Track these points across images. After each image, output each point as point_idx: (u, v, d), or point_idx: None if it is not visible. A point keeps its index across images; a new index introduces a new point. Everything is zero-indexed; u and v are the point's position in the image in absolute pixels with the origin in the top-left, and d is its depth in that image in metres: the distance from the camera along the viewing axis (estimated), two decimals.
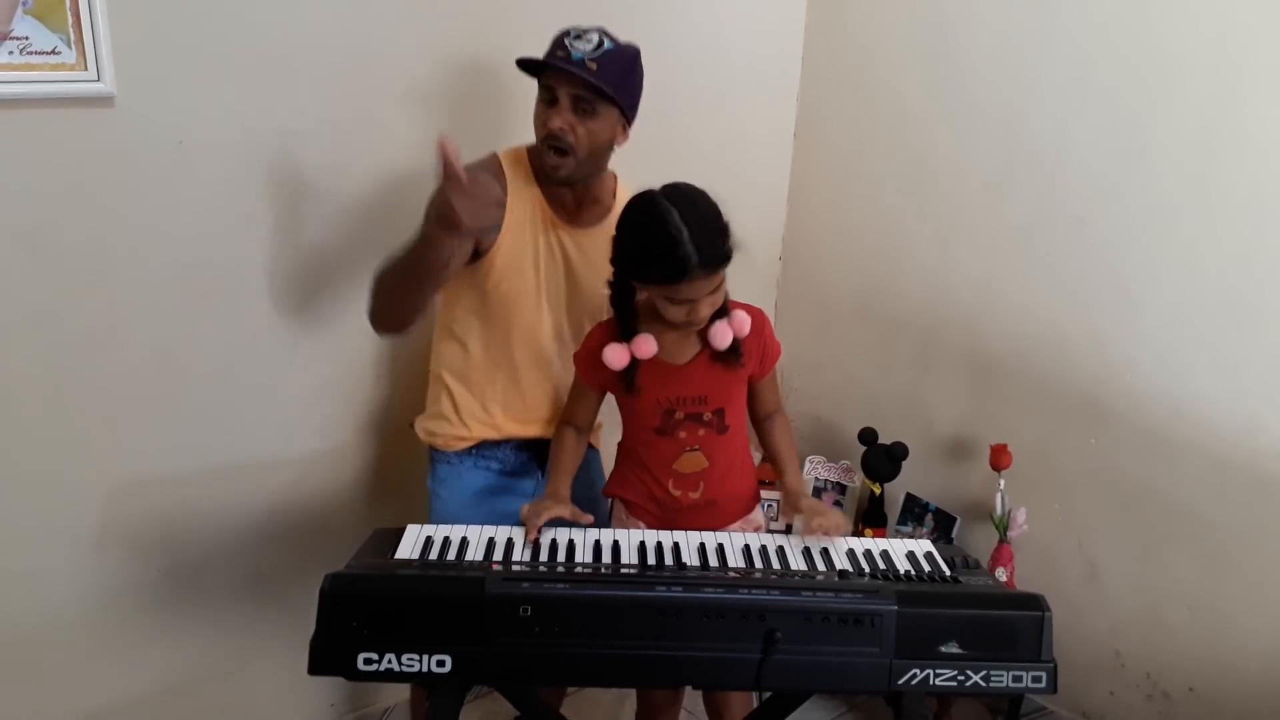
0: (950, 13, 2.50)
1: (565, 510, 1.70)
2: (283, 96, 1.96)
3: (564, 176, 1.83)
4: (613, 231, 1.78)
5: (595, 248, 1.90)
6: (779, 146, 2.90)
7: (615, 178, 1.98)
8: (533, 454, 2.04)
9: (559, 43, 1.78)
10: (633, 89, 1.85)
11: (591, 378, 1.81)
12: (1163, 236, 2.20)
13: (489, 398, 1.96)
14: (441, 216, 1.61)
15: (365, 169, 2.09)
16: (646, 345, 1.73)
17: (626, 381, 1.76)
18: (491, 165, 1.87)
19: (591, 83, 1.75)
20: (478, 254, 1.83)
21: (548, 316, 1.94)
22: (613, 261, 1.73)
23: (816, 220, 2.90)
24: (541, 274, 1.91)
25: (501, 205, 1.79)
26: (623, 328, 1.75)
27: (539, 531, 1.65)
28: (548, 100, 1.79)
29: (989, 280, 2.51)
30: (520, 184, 1.87)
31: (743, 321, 1.75)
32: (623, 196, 1.95)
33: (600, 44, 1.77)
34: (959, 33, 2.49)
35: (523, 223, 1.87)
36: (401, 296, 1.78)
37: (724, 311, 1.75)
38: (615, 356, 1.74)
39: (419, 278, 1.73)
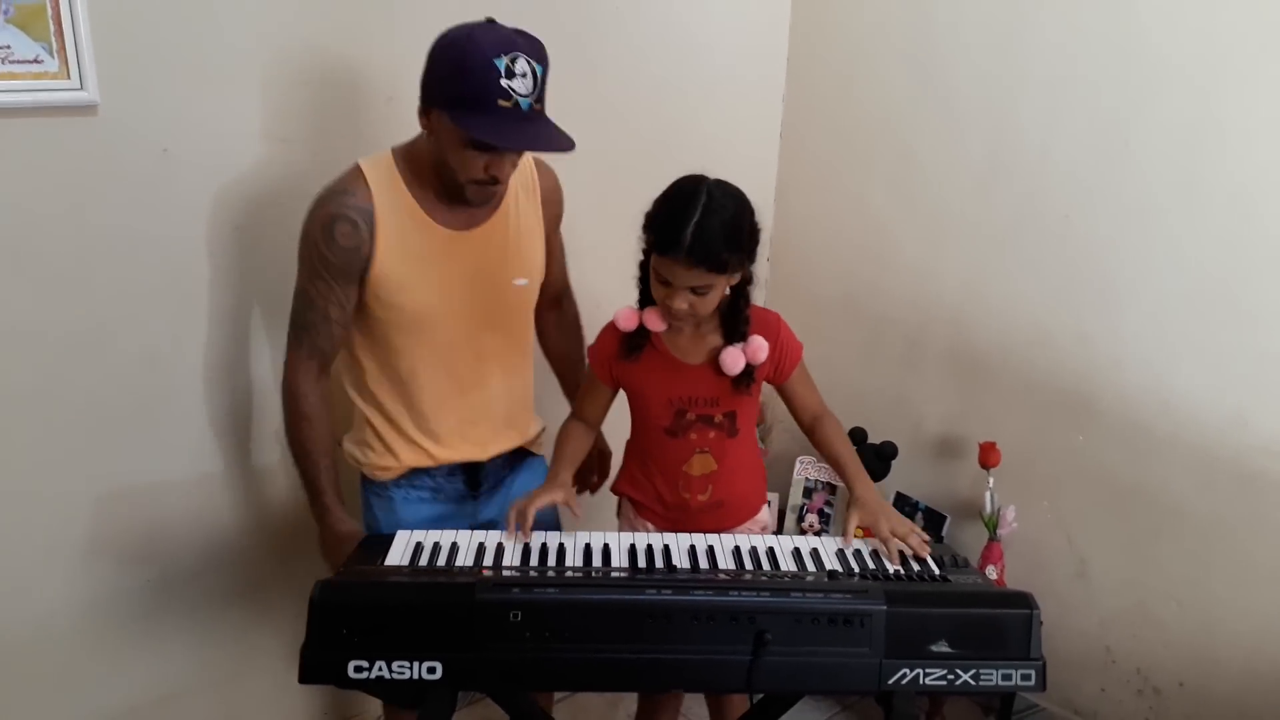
0: (934, 12, 2.51)
1: (559, 496, 1.69)
2: (267, 103, 1.96)
3: (488, 202, 1.74)
4: (514, 212, 1.79)
5: (498, 240, 1.79)
6: (765, 147, 2.91)
7: None
8: (463, 479, 1.91)
9: (494, 86, 1.53)
10: None
11: (603, 369, 1.81)
12: (1147, 233, 2.21)
13: (406, 425, 1.82)
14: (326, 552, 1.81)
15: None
16: (658, 319, 1.72)
17: (632, 349, 1.75)
18: (354, 185, 1.69)
19: (559, 143, 1.61)
20: (360, 281, 1.71)
21: (465, 332, 1.80)
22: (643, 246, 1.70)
23: (803, 220, 2.91)
24: (443, 288, 1.75)
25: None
26: (644, 296, 1.74)
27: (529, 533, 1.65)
28: (482, 147, 1.59)
29: (976, 279, 2.52)
30: (391, 198, 1.69)
31: (758, 349, 1.72)
32: (516, 175, 1.78)
33: (535, 75, 1.56)
34: (943, 32, 2.49)
35: (404, 239, 1.70)
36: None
37: (741, 336, 1.72)
38: (625, 317, 1.74)
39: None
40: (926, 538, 1.67)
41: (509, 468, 1.97)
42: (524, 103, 1.56)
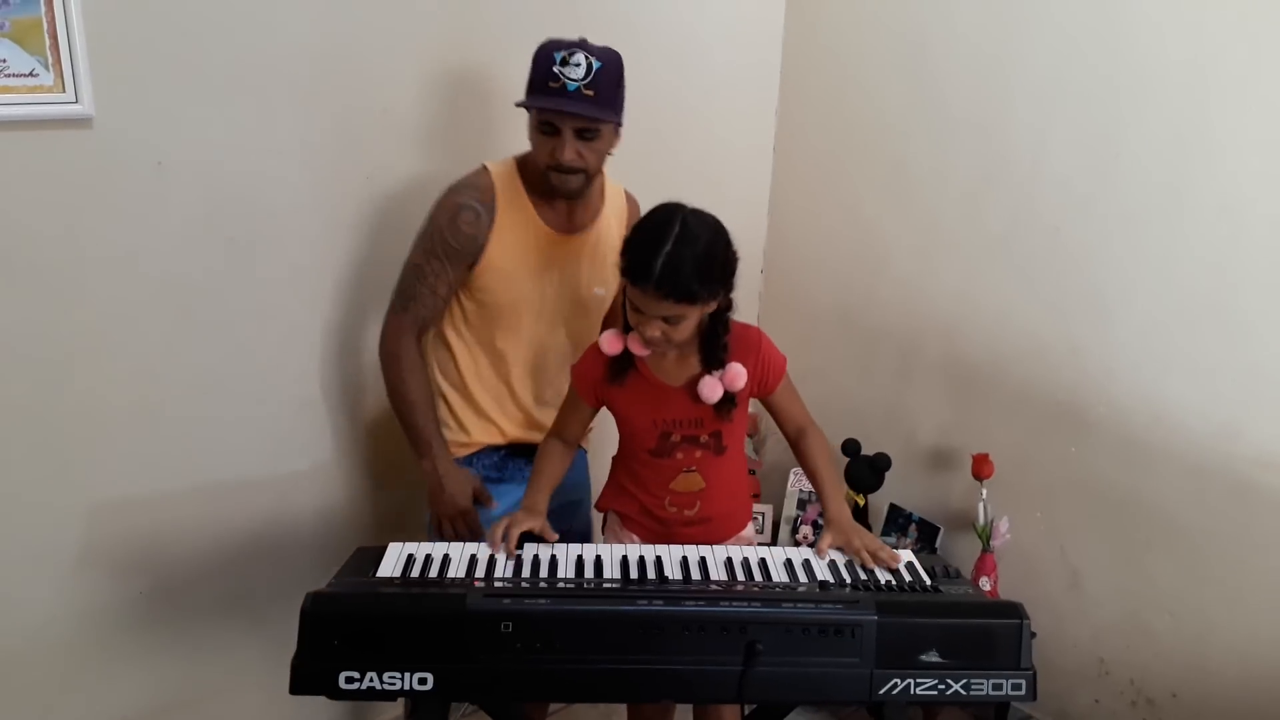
0: (927, 25, 2.52)
1: (536, 524, 1.70)
2: (262, 116, 1.96)
3: (574, 190, 1.87)
4: (605, 232, 1.92)
5: (589, 251, 1.97)
6: (759, 159, 2.92)
7: (603, 175, 1.98)
8: (527, 459, 2.01)
9: (549, 72, 1.77)
10: (623, 98, 1.86)
11: (587, 390, 1.81)
12: (1137, 244, 2.22)
13: (486, 405, 2.00)
14: (439, 508, 1.94)
15: (345, 187, 2.10)
16: (641, 343, 1.73)
17: (616, 374, 1.76)
18: (482, 181, 1.90)
19: (595, 115, 1.78)
20: (470, 266, 1.88)
21: (548, 326, 1.99)
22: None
23: (797, 232, 2.92)
24: (539, 284, 1.94)
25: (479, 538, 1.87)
26: (626, 321, 1.75)
27: (518, 546, 1.66)
28: (548, 130, 1.81)
29: (967, 290, 2.53)
30: (510, 197, 1.89)
31: (735, 376, 1.72)
32: (610, 193, 2.00)
33: (589, 67, 1.77)
34: (936, 45, 2.51)
35: (516, 235, 1.89)
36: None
37: (719, 363, 1.73)
38: (610, 342, 1.75)
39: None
40: (896, 554, 1.68)
41: None
42: (571, 85, 1.76)
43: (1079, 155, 2.28)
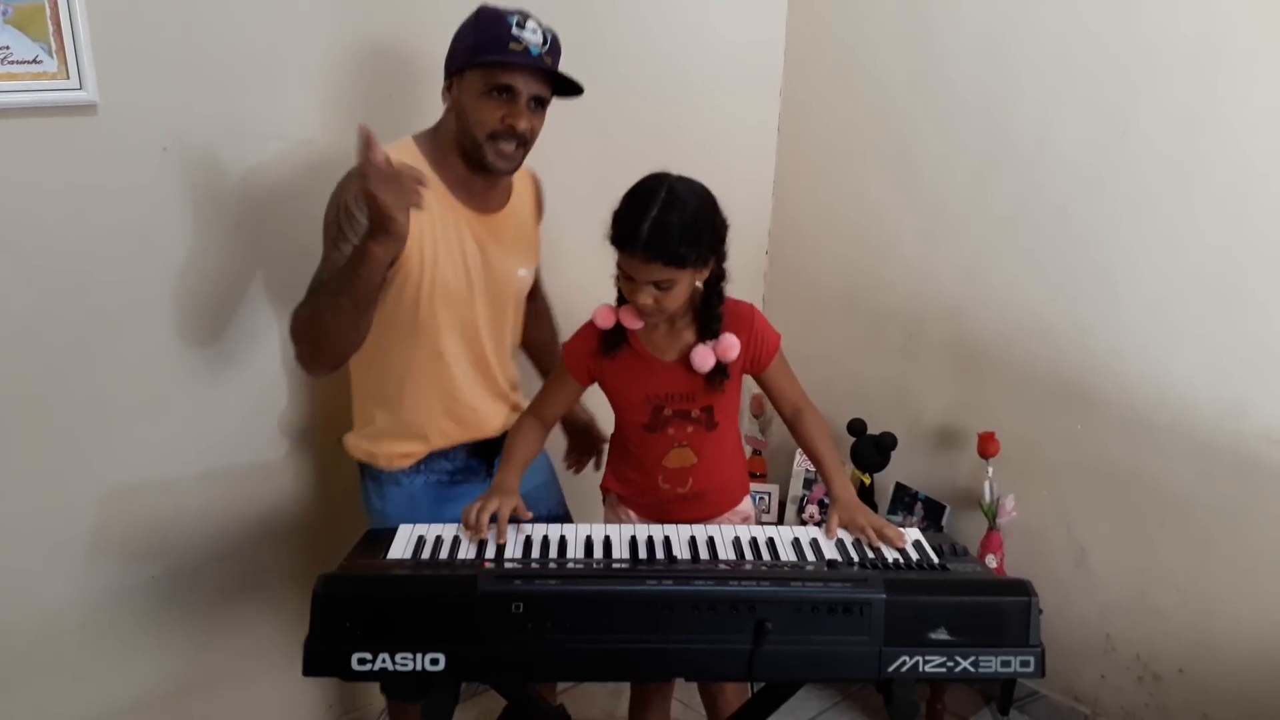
0: (931, 4, 2.51)
1: (510, 503, 1.67)
2: (267, 102, 1.96)
3: (512, 165, 1.79)
4: (521, 211, 1.91)
5: (508, 231, 1.90)
6: (763, 140, 2.91)
7: None
8: (482, 457, 1.98)
9: (506, 35, 1.68)
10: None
11: (578, 365, 1.81)
12: (1144, 223, 2.21)
13: (428, 408, 1.87)
14: (375, 221, 1.56)
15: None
16: (634, 316, 1.73)
17: (609, 347, 1.76)
18: (409, 152, 1.78)
19: (564, 81, 1.75)
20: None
21: (478, 307, 1.87)
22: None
23: (802, 213, 2.92)
24: (462, 267, 1.82)
25: (423, 181, 1.59)
26: (621, 295, 1.75)
27: (505, 529, 1.65)
28: (500, 95, 1.72)
29: (974, 270, 2.53)
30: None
31: (729, 347, 1.73)
32: (520, 175, 1.91)
33: (545, 35, 1.72)
34: (940, 23, 2.50)
35: (432, 217, 1.76)
36: (343, 329, 1.68)
37: (713, 333, 1.74)
38: (603, 315, 1.75)
39: (357, 303, 1.65)
40: (901, 533, 1.68)
41: None
42: (534, 49, 1.70)
43: (1086, 133, 2.27)
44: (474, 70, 1.72)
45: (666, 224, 1.60)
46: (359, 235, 1.65)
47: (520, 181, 1.94)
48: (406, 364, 1.85)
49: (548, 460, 2.10)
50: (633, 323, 1.74)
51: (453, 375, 1.87)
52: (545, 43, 1.72)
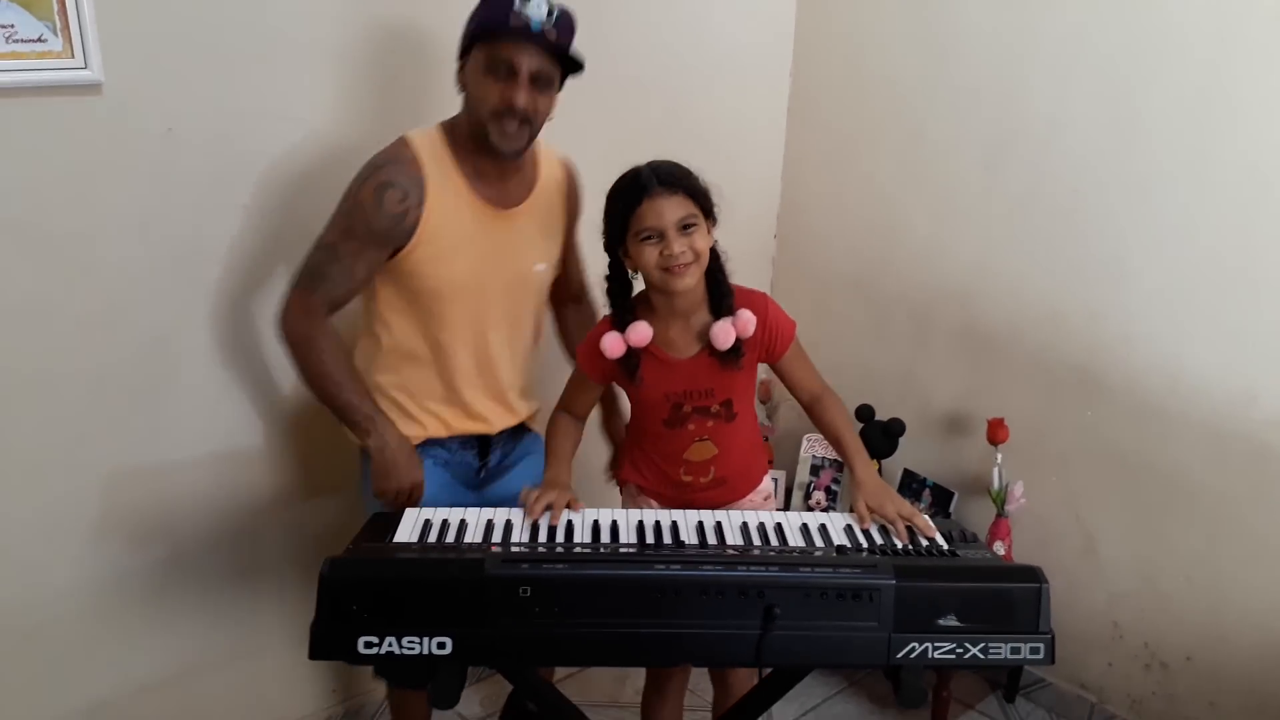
0: None
1: (565, 498, 1.68)
2: (273, 82, 1.95)
3: (517, 147, 1.74)
4: (544, 204, 1.86)
5: (528, 226, 1.86)
6: (772, 125, 2.89)
7: (539, 143, 1.86)
8: (476, 451, 1.97)
9: (508, 11, 1.65)
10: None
11: (594, 368, 1.81)
12: (1156, 209, 2.19)
13: (427, 395, 1.87)
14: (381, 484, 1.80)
15: (359, 156, 2.08)
16: (641, 332, 1.72)
17: (628, 370, 1.75)
18: (404, 155, 1.74)
19: (570, 57, 1.72)
20: (396, 250, 1.75)
21: (488, 309, 1.85)
22: (605, 245, 1.73)
23: (811, 199, 2.90)
24: (476, 265, 1.80)
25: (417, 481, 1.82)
26: (618, 318, 1.75)
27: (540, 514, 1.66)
28: (503, 74, 1.68)
29: (984, 256, 2.51)
30: (439, 171, 1.75)
31: (747, 321, 1.72)
32: (546, 163, 1.90)
33: (550, 8, 1.67)
34: (950, 7, 2.47)
35: (448, 213, 1.76)
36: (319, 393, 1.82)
37: (729, 309, 1.73)
38: (611, 345, 1.73)
39: (333, 411, 1.82)
40: (930, 523, 1.67)
41: (513, 441, 2.01)
42: (535, 23, 1.66)
43: (1098, 116, 2.24)
44: (477, 48, 1.71)
45: (665, 165, 1.67)
46: (370, 239, 1.73)
47: (549, 169, 1.90)
48: (408, 351, 1.85)
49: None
50: (644, 338, 1.73)
51: (452, 369, 1.86)
52: (550, 16, 1.67)
